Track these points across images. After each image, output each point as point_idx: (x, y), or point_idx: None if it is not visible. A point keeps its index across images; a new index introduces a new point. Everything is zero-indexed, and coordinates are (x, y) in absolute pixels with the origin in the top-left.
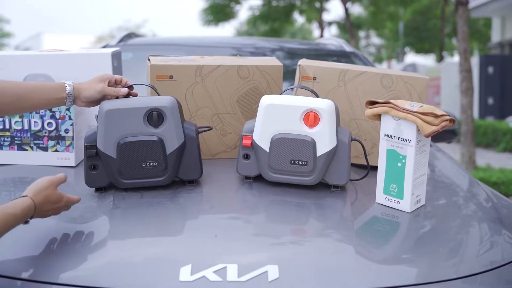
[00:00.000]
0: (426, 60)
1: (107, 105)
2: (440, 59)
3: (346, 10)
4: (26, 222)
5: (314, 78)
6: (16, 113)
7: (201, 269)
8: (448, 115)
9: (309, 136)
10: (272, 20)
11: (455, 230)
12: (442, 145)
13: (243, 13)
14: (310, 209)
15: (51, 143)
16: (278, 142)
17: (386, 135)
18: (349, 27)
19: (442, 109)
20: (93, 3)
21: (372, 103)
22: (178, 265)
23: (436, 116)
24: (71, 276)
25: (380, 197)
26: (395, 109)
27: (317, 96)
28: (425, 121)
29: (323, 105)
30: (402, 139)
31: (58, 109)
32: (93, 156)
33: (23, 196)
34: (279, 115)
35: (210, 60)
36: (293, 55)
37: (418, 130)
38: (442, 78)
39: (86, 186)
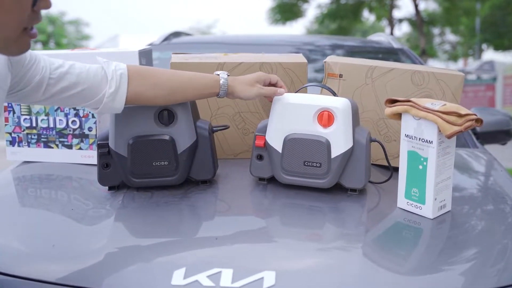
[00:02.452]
0: (506, 57)
1: None
2: None
3: (416, 6)
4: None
5: (341, 76)
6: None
7: (195, 272)
8: (475, 115)
9: (323, 136)
10: (340, 18)
11: (482, 238)
12: (495, 148)
13: (312, 11)
14: (321, 213)
15: (75, 141)
16: (291, 142)
17: (406, 136)
18: (419, 24)
19: None
20: (169, 4)
21: (392, 102)
22: (173, 268)
23: (460, 115)
24: (59, 275)
25: (402, 201)
26: (415, 107)
27: (335, 94)
28: (447, 121)
29: (338, 104)
30: (423, 140)
31: (82, 107)
32: (105, 154)
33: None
34: (292, 115)
35: (232, 58)
36: (338, 52)
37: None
38: None
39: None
